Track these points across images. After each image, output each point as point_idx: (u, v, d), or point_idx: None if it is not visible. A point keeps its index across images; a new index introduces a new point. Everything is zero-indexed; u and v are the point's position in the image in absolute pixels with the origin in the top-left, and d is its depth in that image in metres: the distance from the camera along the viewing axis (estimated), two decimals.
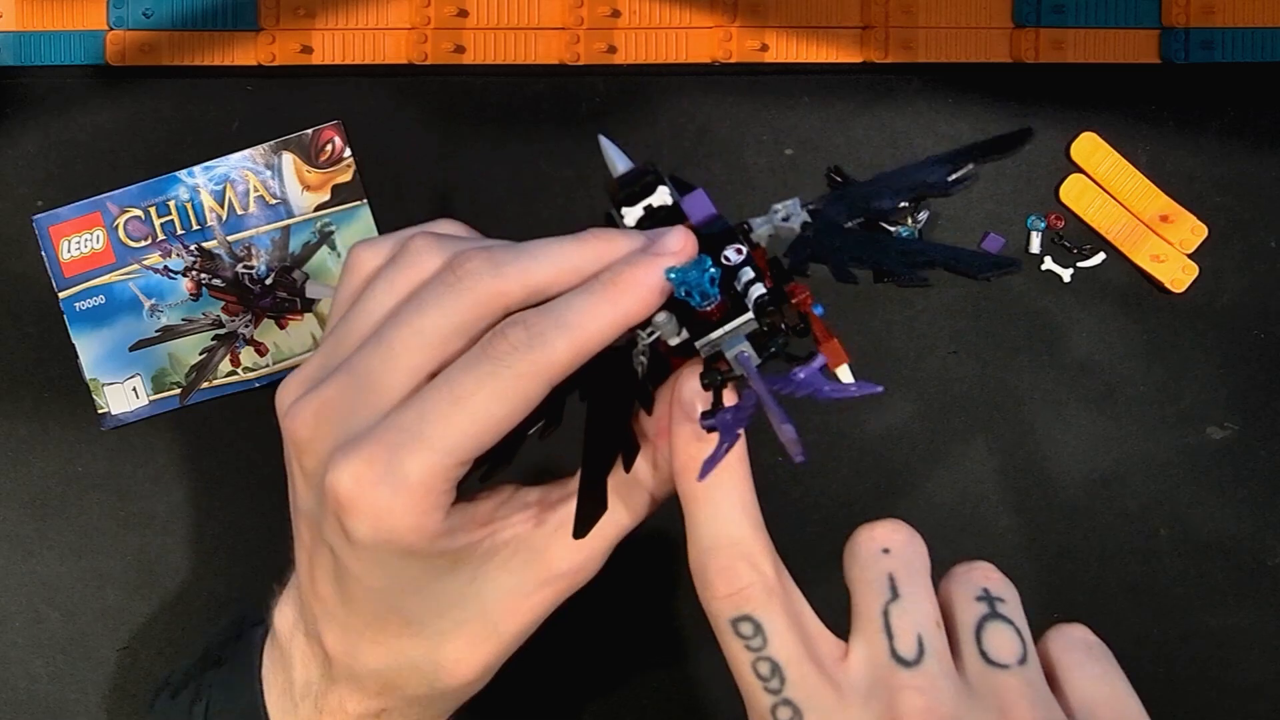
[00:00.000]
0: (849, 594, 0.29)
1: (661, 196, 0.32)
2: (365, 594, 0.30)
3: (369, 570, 0.29)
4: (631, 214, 0.32)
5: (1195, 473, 0.57)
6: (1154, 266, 0.57)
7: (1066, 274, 0.57)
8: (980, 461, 0.57)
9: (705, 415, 0.30)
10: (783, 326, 0.30)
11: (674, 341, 0.30)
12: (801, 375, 0.28)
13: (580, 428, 0.30)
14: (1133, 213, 0.57)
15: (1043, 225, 0.57)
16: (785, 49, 0.57)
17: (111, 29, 0.58)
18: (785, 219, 0.31)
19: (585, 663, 0.57)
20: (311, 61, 0.57)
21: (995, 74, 0.57)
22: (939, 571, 0.30)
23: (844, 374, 0.29)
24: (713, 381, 0.29)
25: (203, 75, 0.58)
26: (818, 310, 0.30)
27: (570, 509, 0.31)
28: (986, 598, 0.29)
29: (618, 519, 0.33)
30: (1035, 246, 0.57)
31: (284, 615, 0.35)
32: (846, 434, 0.57)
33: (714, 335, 0.29)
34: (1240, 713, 0.57)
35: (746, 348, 0.29)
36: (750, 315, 0.29)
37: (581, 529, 0.30)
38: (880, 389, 0.27)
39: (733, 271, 0.30)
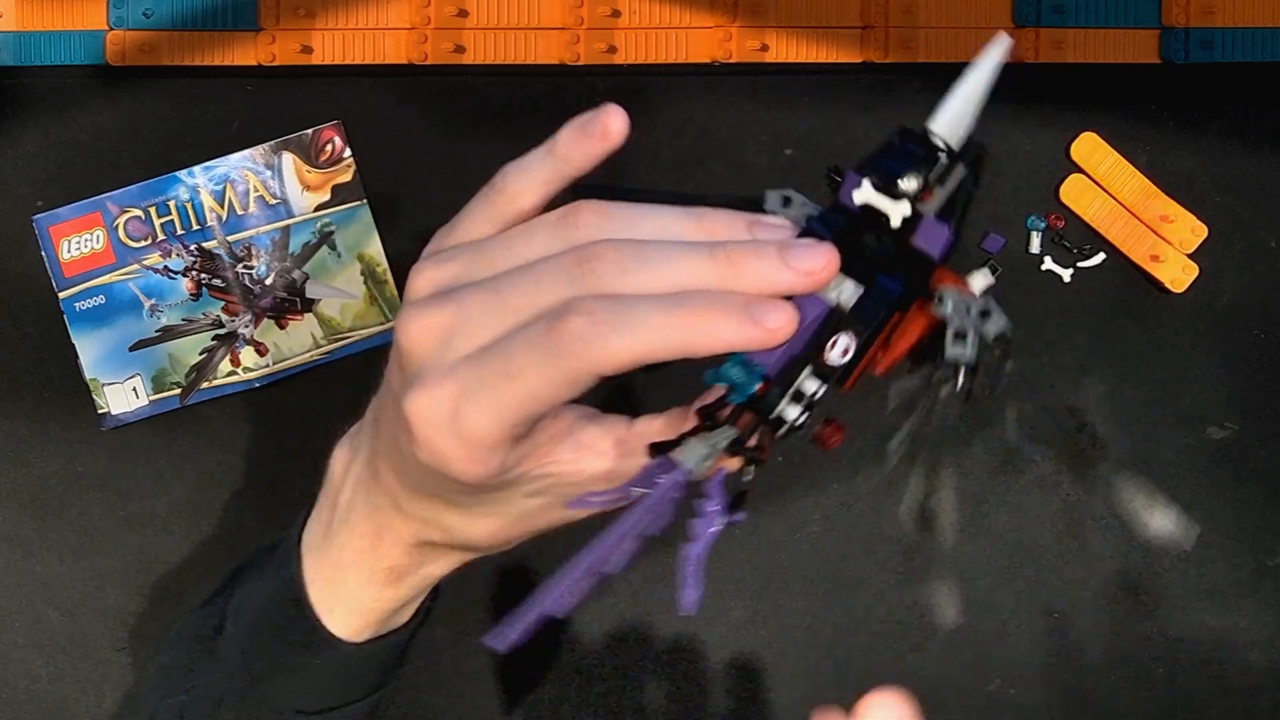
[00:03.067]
0: None
1: (896, 215, 0.28)
2: (418, 482, 0.33)
3: (424, 474, 0.31)
4: (864, 194, 0.29)
5: (1195, 473, 0.57)
6: (1154, 266, 0.57)
7: (1066, 274, 0.57)
8: (979, 462, 0.57)
9: (658, 446, 0.29)
10: (753, 458, 0.28)
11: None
12: (707, 511, 0.28)
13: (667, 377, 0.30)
14: (1133, 213, 0.57)
15: (1043, 225, 0.57)
16: (785, 49, 0.57)
17: (111, 29, 0.58)
18: (984, 314, 0.28)
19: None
20: (311, 61, 0.57)
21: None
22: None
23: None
24: (701, 422, 0.29)
25: (203, 75, 0.58)
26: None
27: (608, 454, 0.32)
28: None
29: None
30: (1035, 246, 0.57)
31: (340, 459, 0.38)
32: (848, 431, 0.57)
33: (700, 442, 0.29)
34: (1240, 713, 0.57)
35: (695, 460, 0.28)
36: (769, 422, 0.28)
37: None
38: (690, 609, 0.27)
39: (813, 356, 0.28)
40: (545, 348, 0.28)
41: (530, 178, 0.34)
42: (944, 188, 0.28)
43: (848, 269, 0.28)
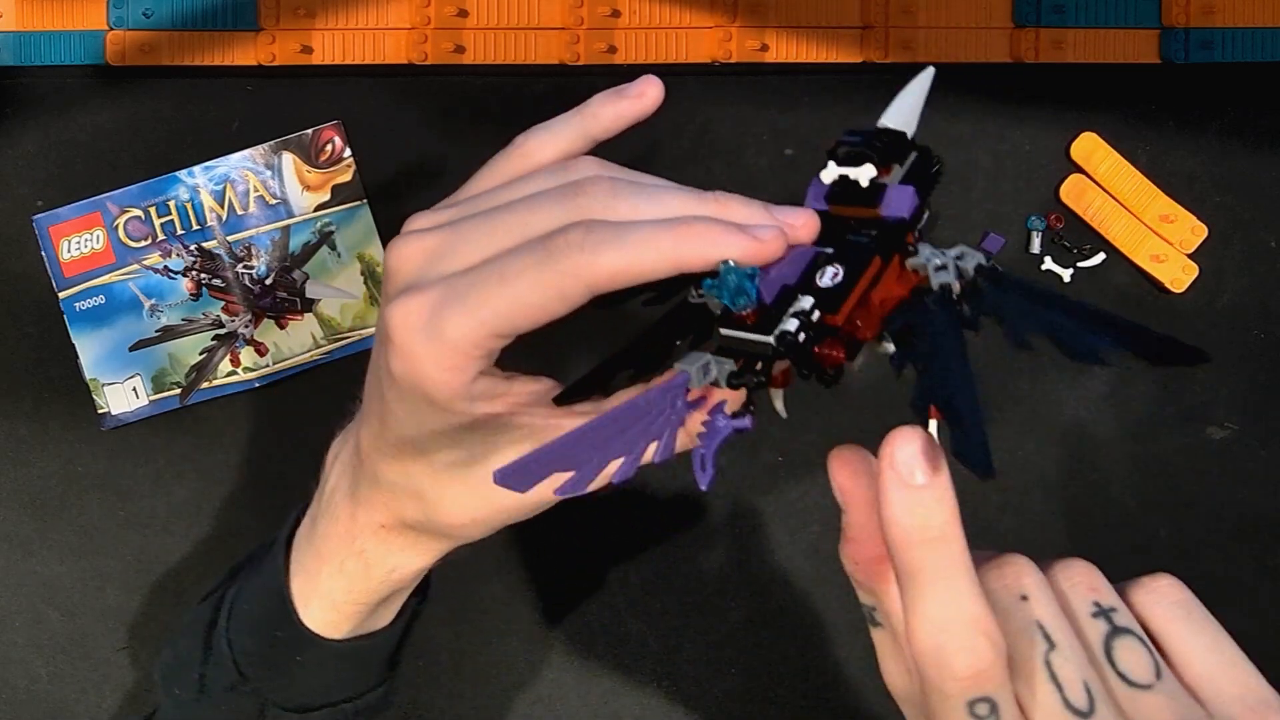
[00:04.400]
0: None
1: (863, 176, 0.31)
2: (394, 420, 0.33)
3: (398, 402, 0.32)
4: (830, 172, 0.31)
5: (1195, 473, 0.57)
6: (1154, 266, 0.57)
7: (1066, 274, 0.57)
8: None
9: (715, 410, 0.29)
10: (759, 375, 0.29)
11: (718, 312, 0.30)
12: (715, 422, 0.29)
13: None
14: (1133, 213, 0.57)
15: (1043, 225, 0.57)
16: (785, 49, 0.57)
17: (111, 29, 0.58)
18: (943, 259, 0.30)
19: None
20: (311, 61, 0.57)
21: (995, 74, 0.57)
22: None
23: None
24: (744, 383, 0.29)
25: (203, 75, 0.58)
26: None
27: (587, 415, 0.32)
28: (1101, 612, 0.29)
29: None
30: (1035, 246, 0.57)
31: (333, 449, 0.39)
32: (848, 432, 0.57)
33: (735, 333, 0.29)
34: None
35: (692, 371, 0.28)
36: (768, 340, 0.28)
37: (564, 398, 0.31)
38: (704, 487, 0.28)
39: (806, 287, 0.29)
40: (540, 255, 0.28)
41: (552, 135, 0.35)
42: (901, 166, 0.31)
43: (827, 242, 0.31)
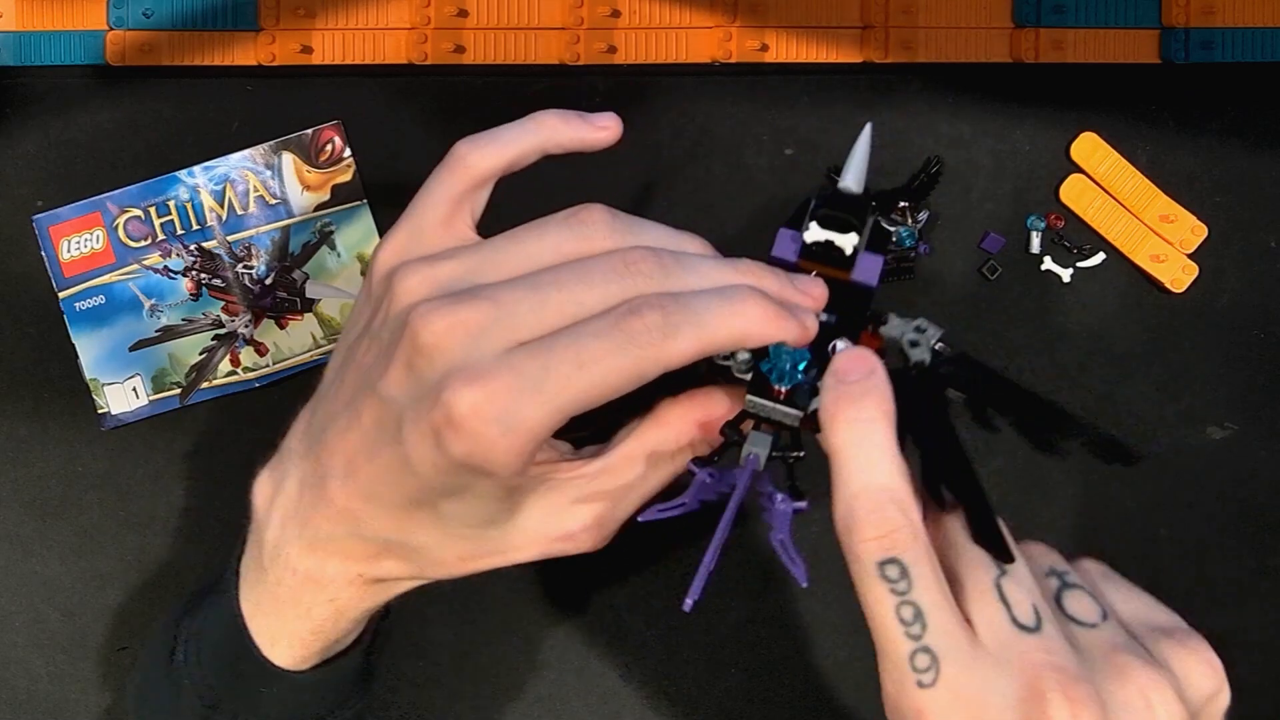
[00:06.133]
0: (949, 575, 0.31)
1: (848, 244, 0.34)
2: (417, 488, 0.32)
3: (437, 475, 0.31)
4: (814, 234, 0.34)
5: (1195, 473, 0.57)
6: (1154, 266, 0.57)
7: (1066, 274, 0.57)
8: (978, 463, 0.57)
9: (698, 460, 0.33)
10: (799, 448, 0.32)
11: (739, 375, 0.32)
12: (777, 506, 0.31)
13: None
14: (1133, 213, 0.57)
15: (1043, 225, 0.57)
16: (785, 49, 0.57)
17: (111, 29, 0.58)
18: (917, 335, 0.34)
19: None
20: (311, 61, 0.57)
21: (995, 74, 0.57)
22: None
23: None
24: (728, 435, 0.32)
25: (203, 75, 0.58)
26: None
27: (590, 480, 0.34)
28: (1054, 573, 0.32)
29: (620, 486, 0.35)
30: (1035, 246, 0.57)
31: (262, 491, 0.37)
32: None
33: (764, 403, 0.32)
34: (1240, 713, 0.57)
35: (762, 453, 0.32)
36: (797, 414, 0.32)
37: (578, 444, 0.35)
38: (804, 583, 0.31)
39: (821, 360, 0.32)
40: (618, 339, 0.29)
41: (495, 145, 0.35)
42: (865, 228, 0.34)
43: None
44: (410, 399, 0.30)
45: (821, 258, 0.34)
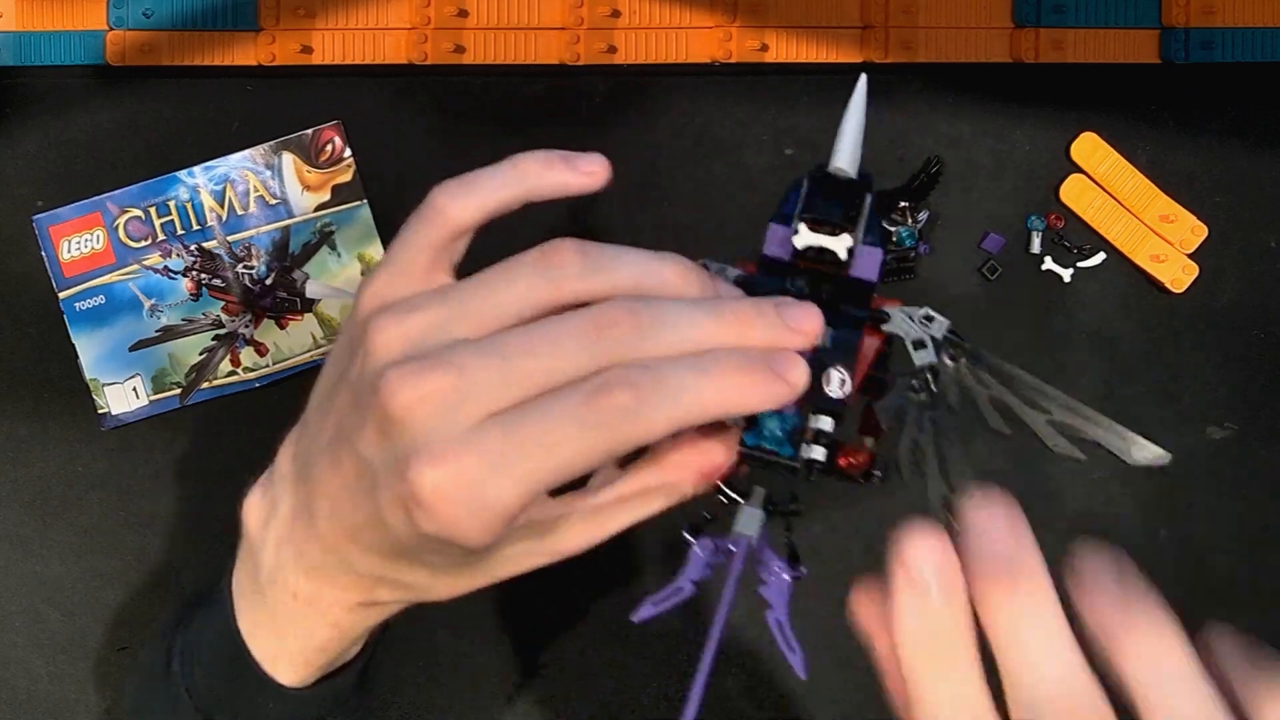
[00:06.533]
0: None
1: (841, 248, 0.31)
2: (397, 544, 0.31)
3: (413, 540, 0.30)
4: (804, 238, 0.31)
5: (1195, 473, 0.57)
6: (1154, 266, 0.57)
7: (1066, 274, 0.57)
8: (979, 463, 0.57)
9: (693, 529, 0.32)
10: (796, 503, 0.31)
11: (729, 423, 0.31)
12: (773, 580, 0.30)
13: None
14: (1133, 213, 0.57)
15: (1043, 225, 0.57)
16: (785, 49, 0.57)
17: (111, 29, 0.58)
18: (923, 330, 0.31)
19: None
20: (311, 61, 0.57)
21: (995, 74, 0.57)
22: None
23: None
24: (724, 497, 0.31)
25: (203, 75, 0.58)
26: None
27: (582, 516, 0.33)
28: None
29: (614, 525, 0.34)
30: (1035, 246, 0.57)
31: (254, 513, 0.37)
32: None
33: (761, 457, 0.31)
34: None
35: (753, 535, 0.30)
36: (797, 465, 0.30)
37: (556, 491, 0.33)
38: (803, 675, 0.29)
39: (816, 397, 0.30)
40: (588, 420, 0.28)
41: (474, 196, 0.33)
42: (862, 216, 0.31)
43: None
44: (383, 464, 0.30)
45: (815, 258, 0.31)
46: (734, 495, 0.31)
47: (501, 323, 0.30)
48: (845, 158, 0.32)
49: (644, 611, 0.31)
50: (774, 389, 0.29)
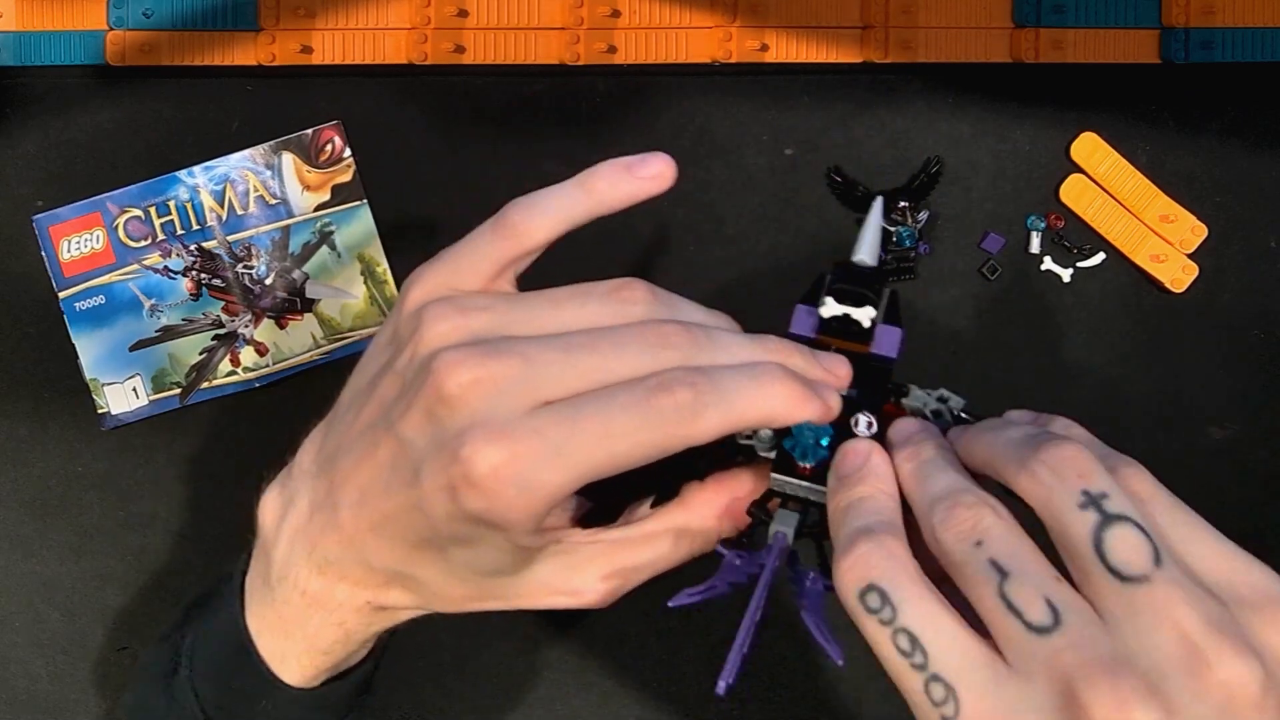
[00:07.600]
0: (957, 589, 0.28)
1: (865, 318, 0.34)
2: (427, 530, 0.31)
3: (449, 524, 0.30)
4: (830, 309, 0.34)
5: (1195, 473, 0.57)
6: (1154, 266, 0.57)
7: (1066, 274, 0.57)
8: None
9: (727, 542, 0.33)
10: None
11: (763, 454, 0.33)
12: (808, 586, 0.31)
13: None
14: (1133, 213, 0.57)
15: (1043, 225, 0.57)
16: (785, 49, 0.57)
17: (111, 29, 0.58)
18: (940, 406, 0.34)
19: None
20: (311, 61, 0.57)
21: (995, 74, 0.57)
22: None
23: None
24: (755, 516, 0.33)
25: (203, 75, 0.58)
26: None
27: (607, 549, 0.34)
28: (1089, 501, 0.27)
29: (638, 563, 0.35)
30: (1035, 246, 0.57)
31: (270, 509, 0.37)
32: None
33: (790, 480, 0.32)
34: None
35: (789, 530, 0.32)
36: (824, 490, 0.32)
37: (588, 522, 0.35)
38: (840, 661, 0.30)
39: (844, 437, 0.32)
40: (647, 414, 0.29)
41: (548, 215, 0.34)
42: (882, 300, 0.35)
43: None
44: (429, 446, 0.30)
45: (840, 333, 0.34)
46: (764, 516, 0.33)
47: (563, 332, 0.31)
48: (866, 251, 0.36)
49: (678, 599, 0.33)
50: (813, 404, 0.31)
